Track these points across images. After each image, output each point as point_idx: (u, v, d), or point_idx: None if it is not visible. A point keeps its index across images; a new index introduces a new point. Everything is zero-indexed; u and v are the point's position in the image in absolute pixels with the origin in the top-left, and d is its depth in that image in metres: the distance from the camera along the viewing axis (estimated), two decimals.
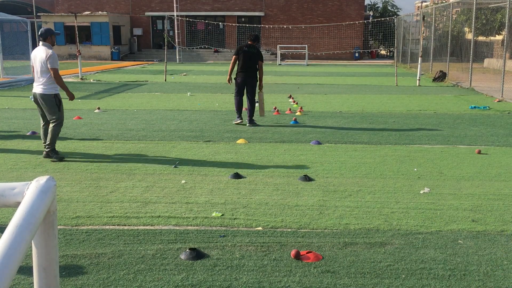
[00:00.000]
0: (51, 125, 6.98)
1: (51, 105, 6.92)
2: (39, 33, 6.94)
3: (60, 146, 7.76)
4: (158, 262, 3.76)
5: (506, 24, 14.51)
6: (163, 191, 5.49)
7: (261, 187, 5.64)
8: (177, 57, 33.23)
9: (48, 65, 6.78)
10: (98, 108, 11.66)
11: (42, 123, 7.14)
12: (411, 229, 4.40)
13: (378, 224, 4.52)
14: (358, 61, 35.70)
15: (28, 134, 8.71)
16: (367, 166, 6.56)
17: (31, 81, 18.32)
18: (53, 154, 6.94)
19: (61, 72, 7.06)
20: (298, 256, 3.80)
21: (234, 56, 9.69)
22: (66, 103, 12.75)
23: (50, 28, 7.10)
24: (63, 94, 7.22)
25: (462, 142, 8.16)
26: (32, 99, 7.26)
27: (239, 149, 7.63)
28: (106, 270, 3.64)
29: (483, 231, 4.37)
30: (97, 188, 5.61)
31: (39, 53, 6.86)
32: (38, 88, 6.90)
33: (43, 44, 6.90)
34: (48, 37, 6.91)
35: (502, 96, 13.64)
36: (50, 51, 6.82)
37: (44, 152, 6.97)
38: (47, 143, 6.94)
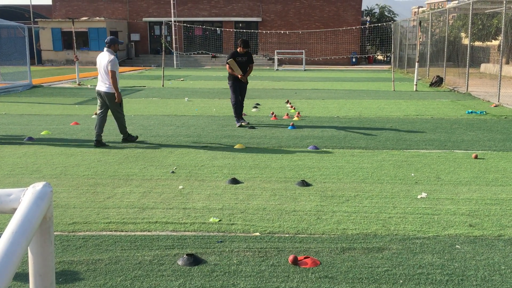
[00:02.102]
0: (116, 118, 8.36)
1: (112, 101, 8.19)
2: (106, 40, 8.21)
3: (56, 151, 7.76)
4: (155, 268, 3.75)
5: (502, 30, 14.58)
6: (160, 197, 5.48)
7: (258, 192, 5.64)
8: (175, 62, 33.27)
9: (109, 67, 8.00)
10: (96, 114, 11.63)
11: (99, 111, 8.38)
12: (408, 234, 4.40)
13: (375, 229, 4.52)
14: (355, 66, 35.80)
15: (25, 140, 8.69)
16: (365, 171, 6.56)
17: (29, 86, 18.38)
18: (130, 138, 8.39)
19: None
20: (295, 262, 3.79)
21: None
22: (66, 109, 12.78)
23: (115, 37, 8.34)
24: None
25: (459, 147, 8.17)
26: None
27: (236, 154, 7.63)
28: (103, 276, 3.63)
29: (480, 236, 4.37)
30: (94, 194, 5.60)
31: (103, 58, 8.13)
32: (103, 87, 8.17)
33: (107, 50, 8.14)
34: (112, 45, 8.16)
35: (498, 101, 13.69)
36: (112, 56, 8.08)
37: (96, 141, 8.18)
38: (122, 134, 8.42)
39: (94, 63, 32.29)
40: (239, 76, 9.97)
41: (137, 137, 8.55)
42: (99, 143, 8.16)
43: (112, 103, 8.21)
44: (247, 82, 10.27)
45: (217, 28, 36.12)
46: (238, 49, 10.01)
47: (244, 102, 10.42)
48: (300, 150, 7.90)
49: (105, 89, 8.16)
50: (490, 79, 21.34)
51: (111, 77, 8.02)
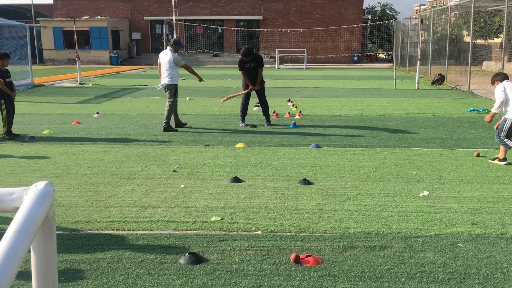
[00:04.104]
0: (166, 106, 9.59)
1: (171, 92, 9.65)
2: (170, 41, 9.77)
3: (58, 150, 7.77)
4: (158, 267, 3.75)
5: (504, 27, 14.55)
6: (162, 196, 5.48)
7: (260, 191, 5.64)
8: None
9: (179, 64, 9.59)
10: (97, 113, 11.66)
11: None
12: (410, 233, 4.40)
13: (377, 227, 4.52)
14: (357, 64, 35.75)
15: (26, 139, 8.70)
16: (366, 170, 6.56)
17: (30, 86, 18.41)
18: (169, 129, 9.49)
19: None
20: (297, 260, 3.80)
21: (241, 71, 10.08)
22: (68, 108, 12.80)
23: (178, 40, 9.84)
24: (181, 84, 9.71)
25: (461, 145, 8.16)
26: (158, 88, 9.17)
27: (238, 153, 7.63)
28: (105, 275, 3.63)
29: (482, 234, 4.37)
30: (96, 192, 5.61)
31: (166, 55, 9.56)
32: (165, 79, 9.64)
33: (169, 49, 9.58)
34: (174, 45, 9.60)
35: None
36: (175, 55, 9.52)
37: (176, 124, 9.80)
38: (164, 120, 9.53)
39: (96, 62, 32.22)
40: (248, 90, 9.99)
41: (176, 130, 9.58)
42: (177, 126, 9.75)
43: (169, 92, 9.60)
44: (261, 87, 10.12)
45: (219, 27, 36.10)
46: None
47: (265, 101, 10.10)
48: (301, 149, 7.89)
49: (166, 81, 9.57)
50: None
51: (186, 68, 9.81)
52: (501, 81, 6.97)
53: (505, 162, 6.86)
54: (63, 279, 3.57)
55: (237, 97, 10.75)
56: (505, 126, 6.87)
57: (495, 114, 6.99)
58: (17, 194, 1.49)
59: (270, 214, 4.87)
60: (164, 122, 9.50)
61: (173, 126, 9.74)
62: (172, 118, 9.91)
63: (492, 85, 7.19)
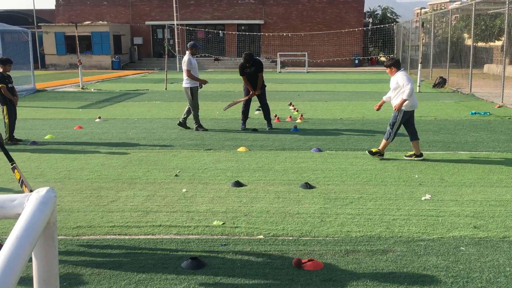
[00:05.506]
0: (191, 110, 9.98)
1: (187, 95, 10.00)
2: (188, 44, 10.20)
3: (60, 155, 7.78)
4: (159, 272, 3.75)
5: (505, 30, 14.55)
6: (164, 200, 5.49)
7: (262, 195, 5.64)
8: (178, 65, 33.30)
9: (183, 66, 9.83)
10: (99, 117, 11.68)
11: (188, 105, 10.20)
12: (413, 236, 4.39)
13: (379, 231, 4.51)
14: (358, 68, 35.76)
15: (28, 144, 8.71)
16: (368, 173, 6.55)
17: (32, 91, 18.46)
18: (200, 129, 9.96)
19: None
20: (299, 264, 3.79)
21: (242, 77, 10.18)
22: (69, 113, 12.83)
23: (195, 43, 10.14)
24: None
25: (463, 148, 8.15)
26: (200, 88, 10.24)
27: (240, 157, 7.63)
28: (107, 280, 3.63)
29: (485, 238, 4.36)
30: (98, 197, 5.61)
31: (183, 59, 9.89)
32: (183, 83, 10.02)
33: (187, 53, 9.94)
34: (189, 49, 9.93)
35: (502, 102, 13.65)
36: (186, 58, 9.81)
37: (180, 122, 10.20)
38: (194, 123, 10.03)
39: (98, 67, 32.37)
40: (249, 96, 10.05)
41: (207, 129, 9.99)
42: (181, 124, 10.13)
43: (186, 96, 10.00)
44: (261, 91, 10.15)
45: (220, 31, 36.14)
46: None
47: (266, 105, 10.16)
48: (303, 152, 7.89)
49: (183, 84, 9.97)
50: (493, 80, 21.28)
51: (186, 73, 9.79)
52: (399, 69, 7.15)
53: (422, 158, 7.24)
54: (65, 284, 3.57)
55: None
56: (398, 117, 7.06)
57: (406, 101, 6.95)
58: (19, 200, 1.49)
59: (272, 218, 4.86)
60: (194, 123, 9.99)
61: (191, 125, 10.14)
62: (183, 116, 10.22)
63: (388, 68, 7.24)
